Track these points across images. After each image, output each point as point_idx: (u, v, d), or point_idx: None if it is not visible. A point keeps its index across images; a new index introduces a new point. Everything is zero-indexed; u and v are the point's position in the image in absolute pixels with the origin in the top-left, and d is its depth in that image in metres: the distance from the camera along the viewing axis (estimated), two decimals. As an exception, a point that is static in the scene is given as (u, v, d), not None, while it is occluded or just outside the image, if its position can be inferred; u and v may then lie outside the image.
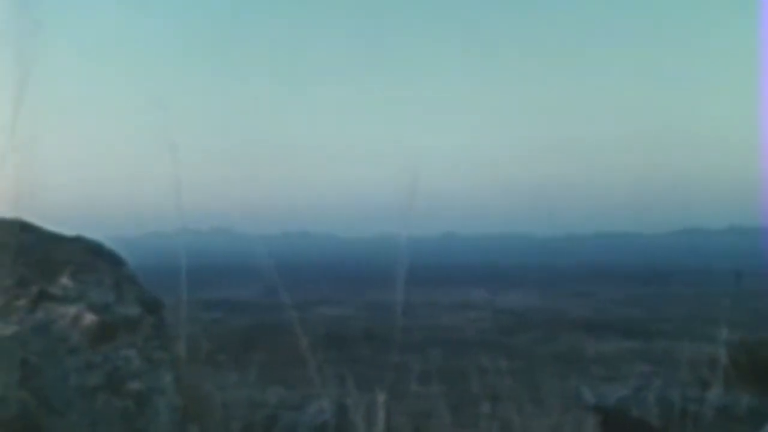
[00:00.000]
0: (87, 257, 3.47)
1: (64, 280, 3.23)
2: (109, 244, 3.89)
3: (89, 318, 3.11)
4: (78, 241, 3.62)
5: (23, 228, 3.44)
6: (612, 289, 57.08)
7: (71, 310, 3.12)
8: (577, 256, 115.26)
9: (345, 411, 4.39)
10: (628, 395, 4.81)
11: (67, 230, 3.76)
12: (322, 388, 4.58)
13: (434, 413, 5.67)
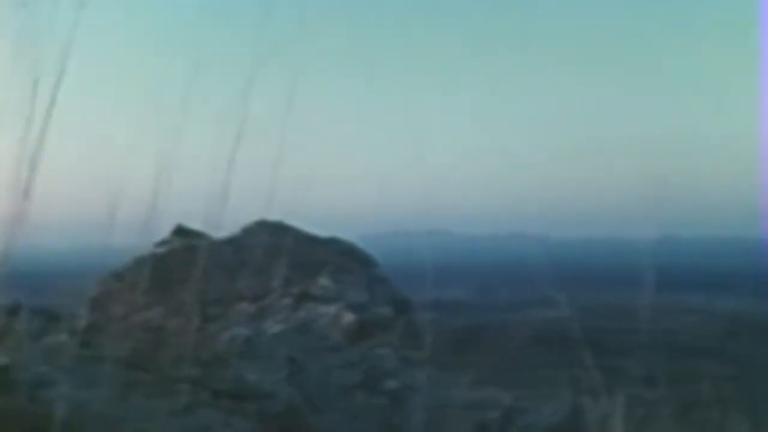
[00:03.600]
0: (342, 258, 3.68)
1: (323, 281, 3.44)
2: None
3: (348, 317, 3.30)
4: (333, 243, 3.84)
5: (285, 230, 3.68)
6: (836, 296, 53.30)
7: (331, 309, 3.32)
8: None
9: (579, 414, 4.41)
10: None
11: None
12: (546, 390, 4.64)
13: (657, 418, 5.59)
